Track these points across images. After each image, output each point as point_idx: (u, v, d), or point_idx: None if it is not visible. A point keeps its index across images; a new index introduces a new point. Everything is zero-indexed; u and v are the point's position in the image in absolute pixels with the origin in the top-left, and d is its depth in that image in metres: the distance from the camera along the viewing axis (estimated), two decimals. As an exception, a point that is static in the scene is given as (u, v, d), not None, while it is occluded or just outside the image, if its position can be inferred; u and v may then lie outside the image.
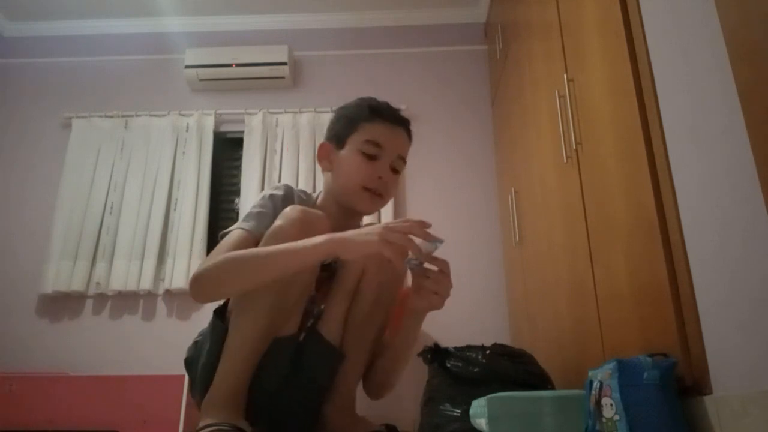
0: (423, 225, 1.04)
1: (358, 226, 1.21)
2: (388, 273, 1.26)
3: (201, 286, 1.03)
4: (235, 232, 1.16)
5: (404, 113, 1.36)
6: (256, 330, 1.05)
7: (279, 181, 3.13)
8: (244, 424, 1.02)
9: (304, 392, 1.16)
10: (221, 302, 1.18)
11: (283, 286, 1.06)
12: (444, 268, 1.13)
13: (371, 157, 1.27)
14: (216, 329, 1.11)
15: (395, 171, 1.32)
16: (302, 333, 1.17)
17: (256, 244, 1.11)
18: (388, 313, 1.30)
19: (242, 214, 1.25)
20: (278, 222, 1.12)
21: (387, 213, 3.07)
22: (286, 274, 1.03)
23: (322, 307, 1.25)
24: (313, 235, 1.06)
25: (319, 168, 3.29)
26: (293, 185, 1.33)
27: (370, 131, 1.28)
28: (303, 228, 1.08)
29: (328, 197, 1.33)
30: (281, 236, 1.07)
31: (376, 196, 1.27)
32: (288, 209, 1.14)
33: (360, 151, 1.27)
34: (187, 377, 2.20)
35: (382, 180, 1.27)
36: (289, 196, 1.27)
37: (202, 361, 1.11)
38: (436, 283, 1.13)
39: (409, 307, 1.23)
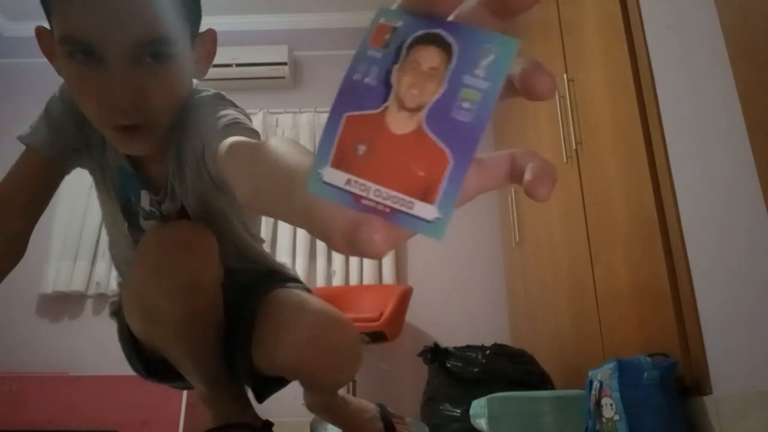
0: None
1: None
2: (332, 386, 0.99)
3: None
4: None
5: None
6: (192, 349, 0.88)
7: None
8: (246, 415, 1.00)
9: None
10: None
11: (198, 336, 0.88)
12: None
13: (87, 62, 0.67)
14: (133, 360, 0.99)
15: (153, 64, 0.69)
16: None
17: (49, 166, 0.82)
18: None
19: None
20: (150, 294, 0.79)
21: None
22: None
23: None
24: (205, 295, 0.81)
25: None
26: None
27: (63, 17, 0.67)
28: (193, 301, 0.79)
29: None
30: (166, 319, 0.80)
31: (130, 130, 0.71)
32: (157, 268, 0.78)
33: (69, 57, 0.68)
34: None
35: (120, 100, 0.68)
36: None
37: None
38: None
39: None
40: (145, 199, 0.87)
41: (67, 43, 0.67)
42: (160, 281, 0.77)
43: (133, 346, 0.94)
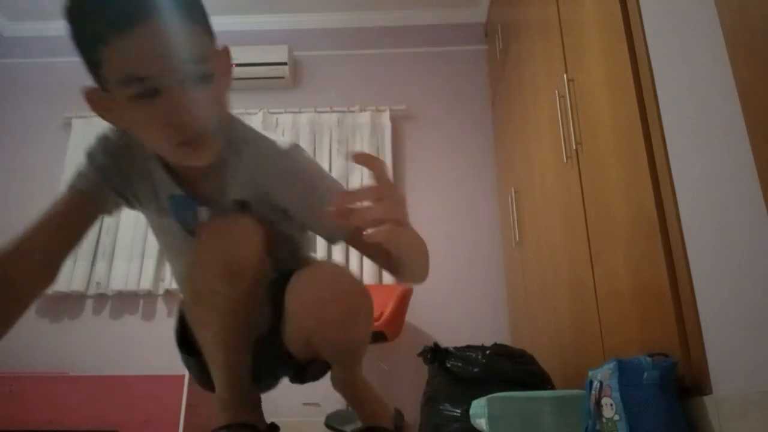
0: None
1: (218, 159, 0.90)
2: (345, 345, 0.99)
3: None
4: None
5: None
6: (228, 352, 0.98)
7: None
8: (254, 418, 1.02)
9: (288, 373, 1.14)
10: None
11: (237, 319, 0.98)
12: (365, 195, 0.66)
13: (148, 95, 0.76)
14: (189, 364, 1.09)
15: (199, 82, 0.78)
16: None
17: (91, 207, 0.92)
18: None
19: None
20: (198, 276, 0.90)
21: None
22: None
23: None
24: (246, 277, 0.90)
25: (330, 164, 3.37)
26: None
27: (117, 62, 0.73)
28: (233, 281, 0.89)
29: None
30: (209, 299, 0.90)
31: (194, 143, 0.81)
32: (205, 250, 0.89)
33: (129, 98, 0.76)
34: (187, 376, 2.21)
35: (176, 122, 0.77)
36: (129, 138, 0.92)
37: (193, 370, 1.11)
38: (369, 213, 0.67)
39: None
40: (204, 214, 0.97)
41: (126, 84, 0.75)
42: (206, 261, 0.88)
43: (182, 334, 1.06)
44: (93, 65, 0.76)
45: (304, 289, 0.93)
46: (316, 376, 1.14)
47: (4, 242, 0.85)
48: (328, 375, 1.14)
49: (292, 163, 0.94)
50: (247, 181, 0.94)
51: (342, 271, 0.96)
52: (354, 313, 0.94)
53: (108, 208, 0.96)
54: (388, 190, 0.66)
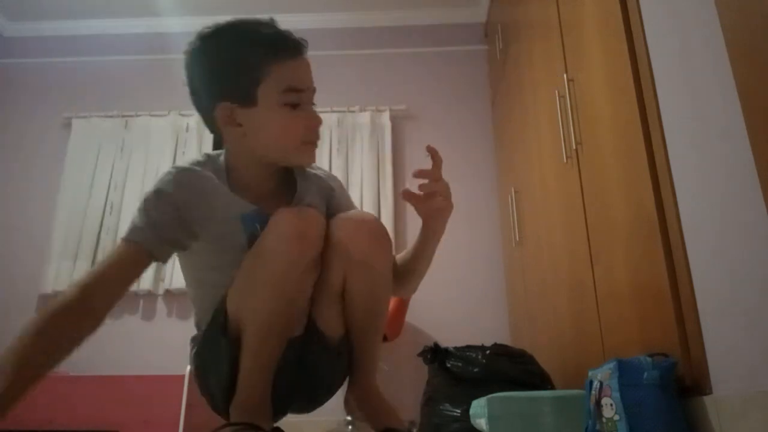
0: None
1: (292, 175, 1.18)
2: (373, 277, 1.10)
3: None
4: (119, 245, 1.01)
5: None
6: (272, 336, 1.02)
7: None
8: (268, 424, 1.01)
9: (307, 385, 1.16)
10: (212, 318, 1.10)
11: (293, 291, 1.03)
12: (428, 174, 1.05)
13: (295, 106, 1.05)
14: (222, 345, 1.08)
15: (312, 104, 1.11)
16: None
17: (146, 259, 1.01)
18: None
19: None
20: (267, 239, 1.00)
21: (388, 214, 3.07)
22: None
23: None
24: (310, 247, 1.00)
25: (330, 164, 3.36)
26: (187, 162, 1.11)
27: (284, 76, 1.03)
28: (299, 244, 0.98)
29: (245, 157, 1.11)
30: (274, 258, 0.98)
31: (314, 144, 1.10)
32: (277, 221, 1.00)
33: (282, 104, 1.03)
34: (187, 376, 2.20)
35: (314, 125, 1.08)
36: (184, 184, 1.05)
37: (217, 379, 1.08)
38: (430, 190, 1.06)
39: (423, 227, 1.15)
40: None
41: (286, 93, 1.03)
42: (280, 227, 0.99)
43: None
44: (254, 83, 1.02)
45: (345, 216, 1.08)
46: (333, 385, 1.18)
47: (61, 297, 0.94)
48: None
49: (340, 182, 1.29)
50: (316, 192, 1.18)
51: (369, 214, 1.12)
52: (384, 239, 1.07)
53: (161, 258, 1.04)
54: (441, 177, 1.05)
